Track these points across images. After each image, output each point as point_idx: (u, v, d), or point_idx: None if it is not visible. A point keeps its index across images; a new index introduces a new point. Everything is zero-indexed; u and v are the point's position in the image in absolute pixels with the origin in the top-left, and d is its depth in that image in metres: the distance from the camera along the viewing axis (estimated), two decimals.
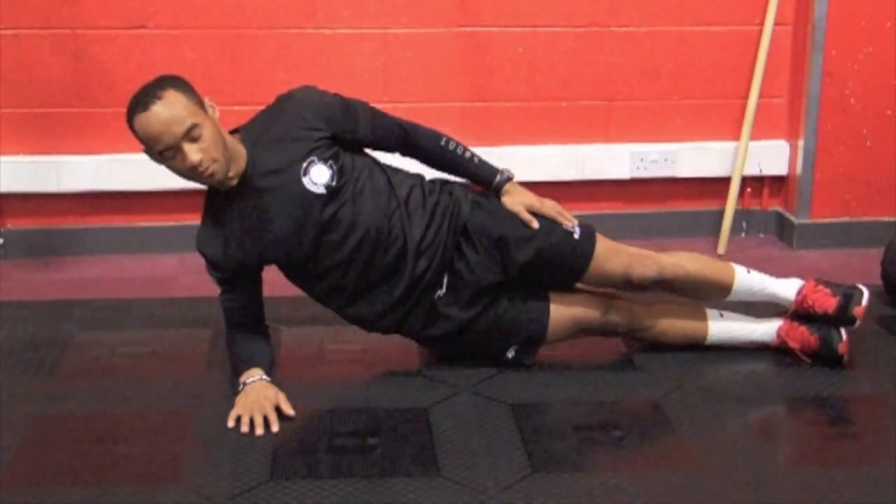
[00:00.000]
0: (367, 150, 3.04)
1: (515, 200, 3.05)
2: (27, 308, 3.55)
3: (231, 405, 2.87)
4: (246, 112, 4.03)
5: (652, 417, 2.91)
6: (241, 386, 2.90)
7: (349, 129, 2.95)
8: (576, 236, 3.03)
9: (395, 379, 3.07)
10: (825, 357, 3.13)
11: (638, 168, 4.22)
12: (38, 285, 3.81)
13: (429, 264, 2.97)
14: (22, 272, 3.91)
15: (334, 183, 2.86)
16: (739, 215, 4.33)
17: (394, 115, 3.05)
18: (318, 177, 2.86)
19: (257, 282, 3.01)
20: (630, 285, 3.11)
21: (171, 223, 4.12)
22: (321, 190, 2.86)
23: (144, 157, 3.97)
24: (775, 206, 4.39)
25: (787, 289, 3.20)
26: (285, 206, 2.86)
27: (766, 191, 4.37)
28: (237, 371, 2.96)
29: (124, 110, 3.92)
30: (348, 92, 4.06)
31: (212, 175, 2.79)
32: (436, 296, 3.01)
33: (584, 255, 3.04)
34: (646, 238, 4.28)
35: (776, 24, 4.14)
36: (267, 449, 2.69)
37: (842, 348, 3.11)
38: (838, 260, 4.14)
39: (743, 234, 4.37)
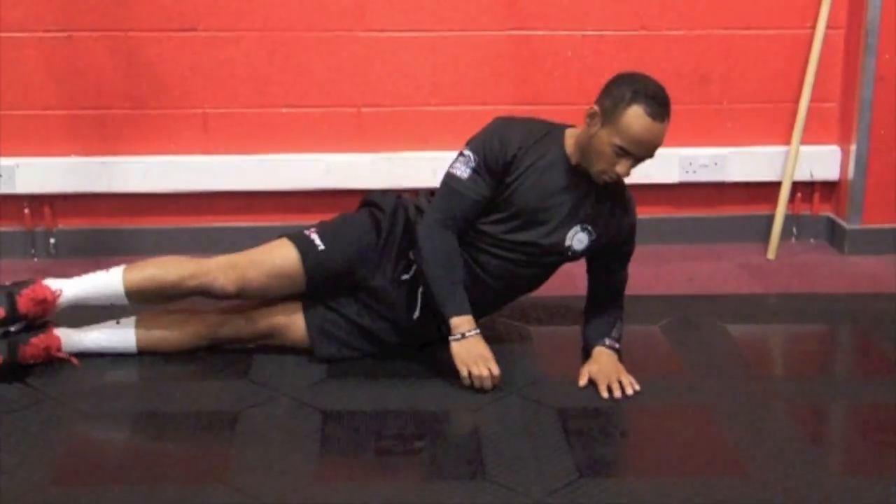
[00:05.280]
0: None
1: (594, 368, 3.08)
2: (80, 308, 3.57)
3: (277, 406, 2.91)
4: (294, 114, 4.08)
5: (700, 422, 2.89)
6: (459, 334, 2.99)
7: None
8: None
9: (442, 382, 3.06)
10: None
11: (687, 172, 4.19)
12: None
13: None
14: (74, 271, 3.92)
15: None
16: (790, 220, 4.29)
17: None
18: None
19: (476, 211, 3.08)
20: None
21: (220, 224, 4.14)
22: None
23: (193, 158, 4.04)
24: (826, 212, 4.35)
25: None
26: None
27: (816, 196, 4.33)
28: (445, 304, 3.02)
29: (175, 112, 4.02)
30: (397, 95, 4.09)
31: (604, 182, 3.00)
32: None
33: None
34: (695, 242, 4.27)
35: (828, 27, 4.09)
36: (313, 450, 2.70)
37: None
38: (890, 266, 4.09)
39: (793, 240, 4.33)
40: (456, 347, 3.00)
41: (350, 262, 3.12)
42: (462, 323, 3.01)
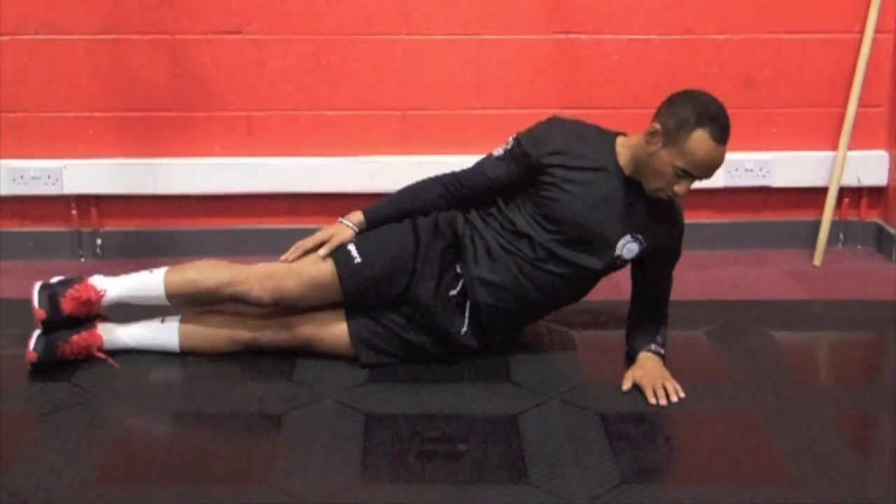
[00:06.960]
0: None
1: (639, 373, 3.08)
2: (124, 308, 3.61)
3: (320, 408, 2.92)
4: (339, 117, 4.10)
5: (744, 430, 2.87)
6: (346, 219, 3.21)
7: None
8: None
9: (485, 385, 3.06)
10: None
11: (732, 177, 4.16)
12: None
13: None
14: (120, 272, 3.96)
15: None
16: (836, 226, 4.25)
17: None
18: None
19: (500, 189, 3.16)
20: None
21: (264, 226, 4.16)
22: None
23: (238, 160, 4.07)
24: (874, 218, 4.30)
25: None
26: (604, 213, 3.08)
27: (864, 201, 4.29)
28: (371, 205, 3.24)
29: (220, 114, 4.04)
30: (442, 99, 4.10)
31: (659, 199, 3.02)
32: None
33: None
34: (740, 248, 4.24)
35: (877, 31, 4.06)
36: (356, 452, 2.70)
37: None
38: None
39: (840, 246, 4.29)
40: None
41: (387, 274, 3.11)
42: (354, 214, 3.21)
